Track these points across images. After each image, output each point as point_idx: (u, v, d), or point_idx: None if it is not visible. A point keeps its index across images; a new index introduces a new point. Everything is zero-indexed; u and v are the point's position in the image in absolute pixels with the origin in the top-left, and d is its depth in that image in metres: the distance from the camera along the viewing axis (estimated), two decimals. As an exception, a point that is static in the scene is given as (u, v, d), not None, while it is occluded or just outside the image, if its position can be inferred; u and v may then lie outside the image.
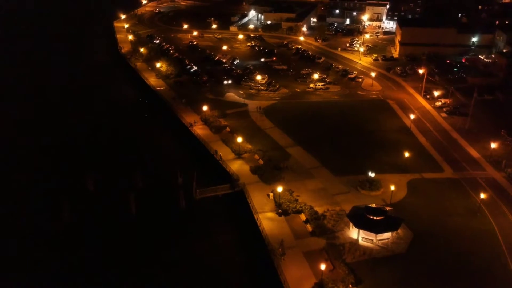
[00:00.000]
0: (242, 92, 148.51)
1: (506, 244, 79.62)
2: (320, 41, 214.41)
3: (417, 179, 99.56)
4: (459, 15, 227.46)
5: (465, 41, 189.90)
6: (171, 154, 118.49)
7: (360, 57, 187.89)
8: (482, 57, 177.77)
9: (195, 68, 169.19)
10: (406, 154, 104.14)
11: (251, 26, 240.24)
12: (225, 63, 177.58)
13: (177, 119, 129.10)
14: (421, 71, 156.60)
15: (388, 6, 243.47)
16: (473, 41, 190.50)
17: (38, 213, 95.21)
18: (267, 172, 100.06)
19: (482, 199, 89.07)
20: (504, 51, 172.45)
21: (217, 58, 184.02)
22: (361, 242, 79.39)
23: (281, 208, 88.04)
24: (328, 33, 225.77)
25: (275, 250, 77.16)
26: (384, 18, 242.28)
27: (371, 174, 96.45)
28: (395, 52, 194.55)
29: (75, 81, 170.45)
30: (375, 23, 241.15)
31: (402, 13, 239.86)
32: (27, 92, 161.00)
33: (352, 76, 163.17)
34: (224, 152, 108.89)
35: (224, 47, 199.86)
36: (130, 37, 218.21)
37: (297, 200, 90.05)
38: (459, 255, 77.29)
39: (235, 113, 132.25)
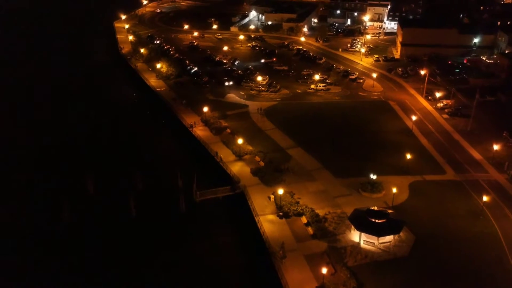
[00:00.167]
0: (242, 93, 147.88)
1: (509, 247, 78.91)
2: (321, 41, 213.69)
3: (419, 181, 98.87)
4: (461, 15, 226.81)
5: (466, 42, 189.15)
6: (171, 155, 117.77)
7: (361, 58, 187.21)
8: (484, 58, 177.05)
9: (195, 69, 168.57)
10: (408, 156, 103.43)
11: (252, 27, 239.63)
12: (225, 63, 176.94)
13: (177, 120, 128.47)
14: (422, 72, 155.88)
15: (389, 7, 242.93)
16: (474, 42, 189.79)
17: (38, 214, 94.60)
18: (268, 174, 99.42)
19: (485, 201, 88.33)
20: (506, 52, 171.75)
21: (217, 58, 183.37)
22: (362, 245, 78.70)
23: (282, 211, 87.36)
24: (329, 34, 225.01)
25: (275, 253, 76.50)
26: (385, 18, 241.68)
27: (373, 176, 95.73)
28: (396, 53, 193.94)
29: (75, 82, 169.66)
30: (376, 24, 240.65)
31: (403, 14, 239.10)
32: (27, 92, 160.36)
33: (353, 77, 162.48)
34: (224, 154, 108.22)
35: (225, 48, 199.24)
36: (131, 37, 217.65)
37: (298, 203, 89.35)
38: (462, 258, 76.60)
39: (235, 114, 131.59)
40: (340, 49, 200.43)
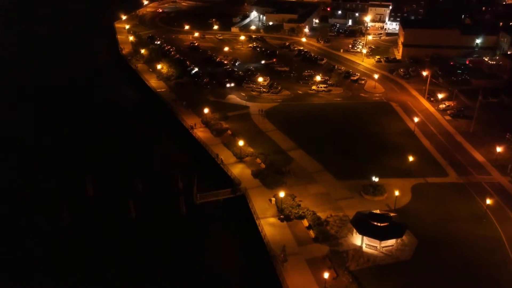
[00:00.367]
0: (243, 94, 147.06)
1: (513, 251, 78.18)
2: (322, 42, 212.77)
3: (421, 183, 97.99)
4: (463, 16, 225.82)
5: (468, 43, 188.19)
6: (171, 157, 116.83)
7: (362, 59, 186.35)
8: (486, 59, 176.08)
9: (196, 69, 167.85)
10: (410, 158, 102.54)
11: (253, 27, 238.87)
12: (226, 64, 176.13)
13: (177, 121, 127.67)
14: (424, 73, 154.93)
15: (390, 7, 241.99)
16: (476, 43, 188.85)
17: (38, 215, 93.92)
18: (269, 177, 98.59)
19: (488, 204, 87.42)
20: (509, 53, 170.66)
21: (218, 59, 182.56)
22: (365, 249, 77.83)
23: (283, 214, 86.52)
24: (331, 34, 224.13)
25: (277, 257, 75.67)
26: (386, 19, 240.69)
27: (375, 179, 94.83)
28: (398, 54, 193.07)
29: (75, 82, 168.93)
30: (377, 24, 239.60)
31: (405, 14, 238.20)
32: (27, 92, 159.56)
33: (355, 78, 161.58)
34: (225, 156, 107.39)
35: (226, 49, 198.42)
36: (131, 38, 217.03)
37: (299, 205, 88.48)
38: (465, 262, 75.70)
39: (236, 115, 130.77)
40: (342, 50, 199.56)
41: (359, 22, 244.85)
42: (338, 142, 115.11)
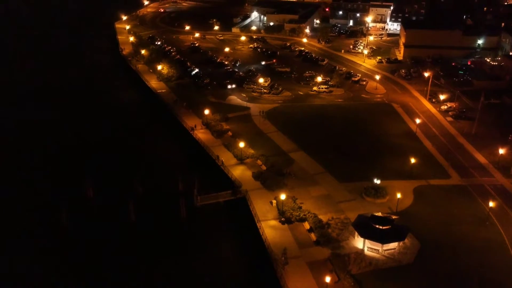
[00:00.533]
0: (244, 95, 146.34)
1: (516, 254, 77.42)
2: (323, 43, 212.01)
3: (424, 185, 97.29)
4: (464, 17, 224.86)
5: (470, 43, 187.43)
6: (171, 159, 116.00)
7: (364, 59, 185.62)
8: (488, 60, 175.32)
9: (196, 70, 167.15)
10: (412, 160, 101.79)
11: (254, 28, 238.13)
12: (227, 65, 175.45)
13: (178, 122, 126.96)
14: (426, 74, 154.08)
15: (392, 8, 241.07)
16: (478, 44, 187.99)
17: (37, 217, 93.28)
18: (270, 178, 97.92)
19: (491, 207, 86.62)
20: (511, 53, 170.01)
21: (219, 60, 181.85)
22: (366, 252, 77.11)
23: (284, 216, 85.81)
24: (331, 35, 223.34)
25: (277, 260, 74.94)
26: (388, 19, 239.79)
27: (377, 181, 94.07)
28: (400, 54, 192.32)
29: (75, 83, 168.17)
30: (379, 25, 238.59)
31: (406, 15, 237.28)
32: (27, 94, 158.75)
33: (356, 78, 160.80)
34: (226, 157, 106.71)
35: (226, 49, 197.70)
36: (132, 38, 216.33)
37: (300, 208, 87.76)
38: (468, 266, 74.98)
39: (237, 116, 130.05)
40: (343, 51, 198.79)
41: (360, 22, 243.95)
42: (339, 144, 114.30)
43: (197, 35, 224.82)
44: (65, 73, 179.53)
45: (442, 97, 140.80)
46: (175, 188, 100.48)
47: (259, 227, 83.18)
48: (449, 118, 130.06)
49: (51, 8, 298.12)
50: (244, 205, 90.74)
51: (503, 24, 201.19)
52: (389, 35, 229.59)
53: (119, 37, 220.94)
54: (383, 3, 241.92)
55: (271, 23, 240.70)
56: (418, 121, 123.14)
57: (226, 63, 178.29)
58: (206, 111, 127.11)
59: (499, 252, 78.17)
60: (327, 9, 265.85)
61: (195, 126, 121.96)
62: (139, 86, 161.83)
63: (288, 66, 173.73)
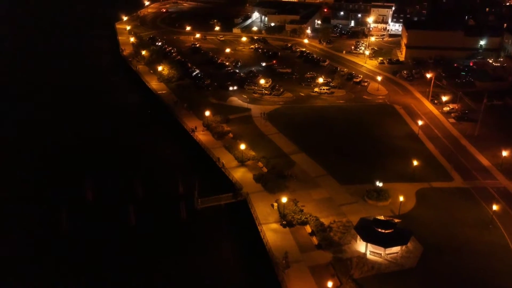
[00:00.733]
0: (245, 96, 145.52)
1: (520, 258, 76.52)
2: (324, 43, 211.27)
3: (426, 188, 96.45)
4: (466, 17, 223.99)
5: (472, 44, 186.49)
6: (171, 161, 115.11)
7: (365, 60, 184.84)
8: (490, 61, 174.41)
9: (197, 71, 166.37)
10: (415, 162, 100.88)
11: (255, 28, 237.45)
12: (228, 66, 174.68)
13: (178, 124, 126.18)
14: (428, 75, 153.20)
15: (393, 8, 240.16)
16: (480, 44, 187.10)
17: (36, 219, 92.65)
18: (271, 181, 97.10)
19: (494, 210, 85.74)
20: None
21: (220, 61, 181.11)
22: (369, 256, 76.27)
23: (286, 219, 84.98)
24: (333, 36, 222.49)
25: (279, 264, 74.13)
26: (389, 20, 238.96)
27: (379, 183, 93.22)
28: (401, 55, 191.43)
29: (75, 84, 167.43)
30: (380, 25, 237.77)
31: (408, 15, 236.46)
32: (26, 94, 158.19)
33: (358, 80, 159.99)
34: (226, 160, 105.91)
35: (227, 50, 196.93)
36: (132, 39, 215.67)
37: (302, 211, 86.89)
38: (471, 269, 74.16)
39: (238, 118, 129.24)
40: (344, 51, 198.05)
41: (361, 23, 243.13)
42: (341, 146, 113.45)
43: (197, 35, 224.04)
44: (65, 73, 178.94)
45: (444, 98, 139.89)
46: (175, 190, 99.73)
47: (260, 230, 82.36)
48: (452, 120, 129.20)
49: (52, 8, 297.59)
50: (245, 208, 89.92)
51: (505, 24, 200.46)
52: (391, 36, 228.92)
53: (119, 37, 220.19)
54: (385, 4, 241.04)
55: (272, 24, 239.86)
56: (420, 122, 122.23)
57: (227, 64, 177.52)
58: (207, 113, 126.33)
59: (502, 256, 77.28)
60: (325, 10, 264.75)
61: (196, 128, 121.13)
62: (140, 87, 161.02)
63: (289, 67, 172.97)
